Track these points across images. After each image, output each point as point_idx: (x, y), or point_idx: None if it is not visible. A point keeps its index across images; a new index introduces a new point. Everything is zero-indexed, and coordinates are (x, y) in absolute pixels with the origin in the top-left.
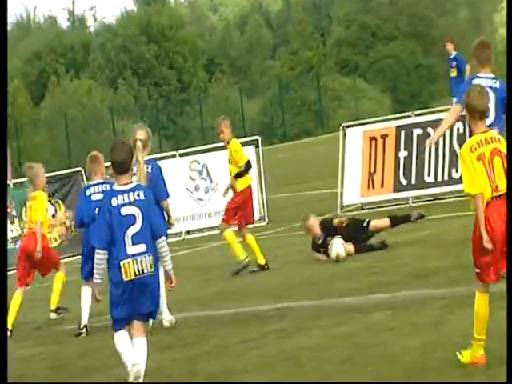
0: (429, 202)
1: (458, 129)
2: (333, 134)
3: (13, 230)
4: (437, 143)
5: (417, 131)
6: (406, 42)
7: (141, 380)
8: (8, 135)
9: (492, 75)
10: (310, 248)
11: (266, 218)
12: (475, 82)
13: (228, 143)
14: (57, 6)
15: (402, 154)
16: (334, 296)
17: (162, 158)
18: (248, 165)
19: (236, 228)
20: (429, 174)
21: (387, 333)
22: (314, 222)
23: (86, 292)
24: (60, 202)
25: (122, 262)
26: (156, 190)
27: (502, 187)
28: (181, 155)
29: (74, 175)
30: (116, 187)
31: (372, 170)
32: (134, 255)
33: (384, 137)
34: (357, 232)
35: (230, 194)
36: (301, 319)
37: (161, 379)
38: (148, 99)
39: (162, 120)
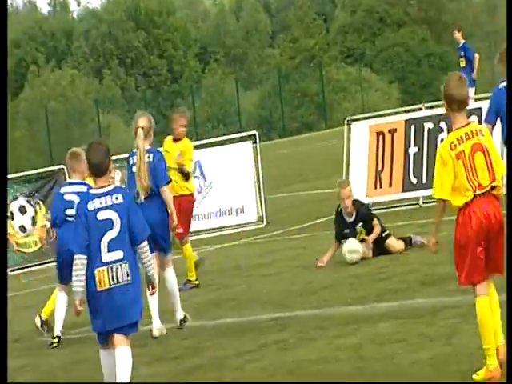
0: None
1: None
2: (337, 128)
3: None
4: None
5: (428, 125)
6: (416, 29)
7: None
8: None
9: None
10: (334, 226)
11: (264, 220)
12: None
13: (180, 139)
14: None
15: (412, 150)
16: (338, 304)
17: None
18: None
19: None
20: None
21: (395, 345)
22: (351, 194)
23: (63, 299)
24: (40, 202)
25: (96, 270)
26: (156, 175)
27: (486, 183)
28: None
29: (56, 174)
30: (92, 190)
31: (379, 168)
32: (108, 263)
33: (392, 131)
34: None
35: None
36: (302, 330)
37: None
38: (136, 91)
39: (151, 113)
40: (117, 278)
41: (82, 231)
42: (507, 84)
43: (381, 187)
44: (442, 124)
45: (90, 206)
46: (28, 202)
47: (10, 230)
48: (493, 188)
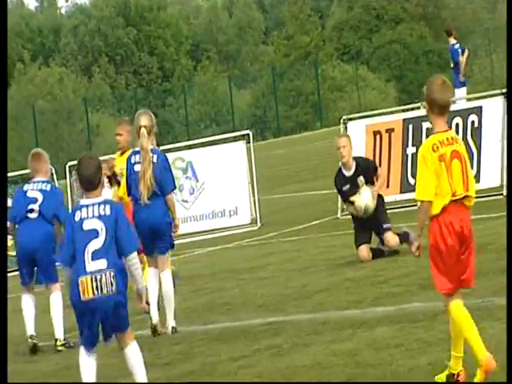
0: None
1: (472, 122)
2: (332, 127)
3: None
4: None
5: (426, 125)
6: (414, 26)
7: None
8: None
9: None
10: (336, 188)
11: (258, 222)
12: None
13: (125, 152)
14: None
15: (410, 150)
16: (334, 308)
17: None
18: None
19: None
20: None
21: (393, 350)
22: (349, 145)
23: (28, 301)
24: None
25: (79, 279)
26: (162, 181)
27: (460, 192)
28: (163, 152)
29: None
30: (82, 201)
31: None
32: (92, 272)
33: (390, 131)
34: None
35: None
36: (296, 334)
37: None
38: (126, 89)
39: None
40: (101, 288)
41: (68, 243)
42: (507, 84)
43: None
44: None
45: (77, 216)
46: None
47: None
48: (465, 197)
